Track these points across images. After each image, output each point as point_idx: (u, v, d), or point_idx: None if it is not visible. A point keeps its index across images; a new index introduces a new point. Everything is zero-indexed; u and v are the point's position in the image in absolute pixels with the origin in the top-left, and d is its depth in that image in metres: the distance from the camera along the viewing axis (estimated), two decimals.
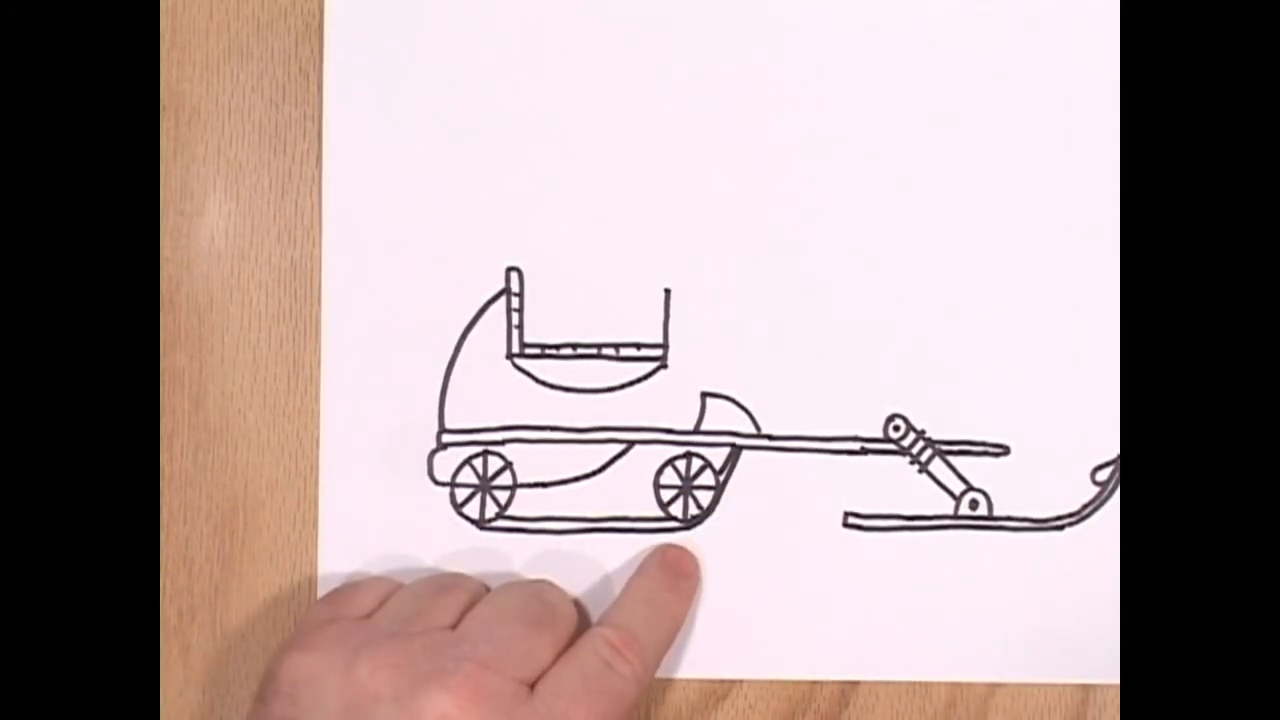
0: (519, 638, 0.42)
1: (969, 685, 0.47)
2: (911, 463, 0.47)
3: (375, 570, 0.47)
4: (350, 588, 0.46)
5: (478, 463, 0.47)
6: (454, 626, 0.43)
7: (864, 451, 0.47)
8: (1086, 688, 0.47)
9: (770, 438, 0.47)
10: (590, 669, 0.42)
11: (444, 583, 0.45)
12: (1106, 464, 0.47)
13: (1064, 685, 0.47)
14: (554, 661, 0.42)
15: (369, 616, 0.44)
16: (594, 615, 0.47)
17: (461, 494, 0.47)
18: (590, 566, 0.47)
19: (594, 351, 0.47)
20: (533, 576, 0.47)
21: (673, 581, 0.46)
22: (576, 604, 0.46)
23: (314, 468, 0.47)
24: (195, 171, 0.47)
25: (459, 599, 0.44)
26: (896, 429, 0.47)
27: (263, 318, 0.47)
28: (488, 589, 0.46)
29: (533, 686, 0.42)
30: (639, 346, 0.47)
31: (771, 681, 0.47)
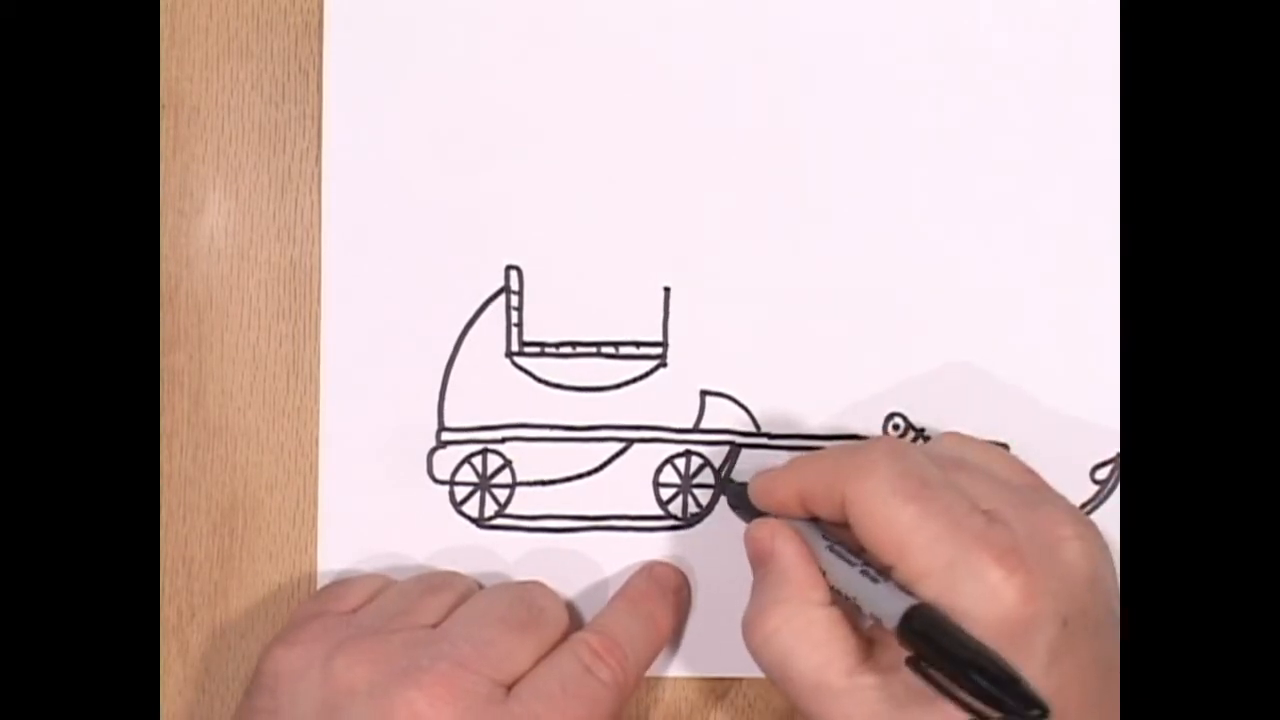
0: (499, 639, 0.42)
1: None
2: None
3: (375, 569, 0.47)
4: (340, 584, 0.46)
5: (477, 461, 0.47)
6: (438, 625, 0.43)
7: None
8: None
9: (770, 436, 0.47)
10: (568, 672, 0.42)
11: (434, 581, 0.45)
12: (1106, 463, 0.47)
13: None
14: (535, 664, 0.42)
15: (356, 612, 0.44)
16: (591, 614, 0.47)
17: (461, 492, 0.47)
18: (589, 565, 0.47)
19: (593, 350, 0.47)
20: (531, 575, 0.47)
21: (660, 593, 0.46)
22: (570, 607, 0.46)
23: (313, 466, 0.47)
24: (195, 170, 0.47)
25: (446, 599, 0.44)
26: (896, 428, 0.47)
27: (262, 316, 0.47)
28: (481, 588, 0.46)
29: (512, 689, 0.42)
30: (638, 345, 0.47)
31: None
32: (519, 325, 0.47)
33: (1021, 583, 0.37)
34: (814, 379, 0.47)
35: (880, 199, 0.47)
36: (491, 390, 0.47)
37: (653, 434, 0.47)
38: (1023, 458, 0.44)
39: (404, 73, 0.46)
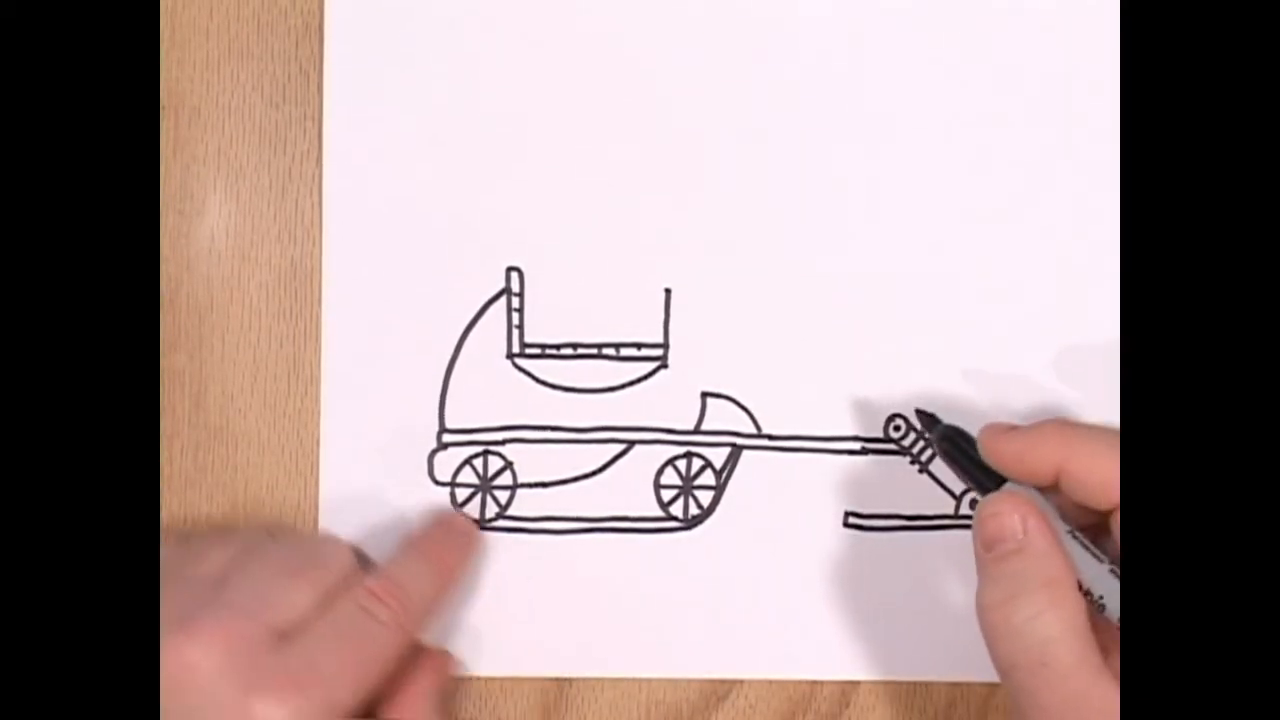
0: (275, 584, 0.42)
1: (969, 685, 0.47)
2: (912, 462, 0.47)
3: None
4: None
5: (478, 463, 0.47)
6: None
7: (864, 451, 0.47)
8: None
9: (771, 438, 0.47)
10: (345, 616, 0.42)
11: (218, 537, 0.45)
12: None
13: None
14: (316, 610, 0.42)
15: None
16: (588, 615, 0.47)
17: (462, 494, 0.47)
18: (590, 566, 0.47)
19: (594, 351, 0.47)
20: (532, 576, 0.47)
21: (445, 535, 0.46)
22: (359, 554, 0.45)
23: (314, 468, 0.47)
24: (195, 171, 0.47)
25: (230, 550, 0.44)
26: (897, 429, 0.47)
27: (263, 318, 0.47)
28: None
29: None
30: (639, 346, 0.47)
31: (771, 681, 0.47)
32: (520, 327, 0.47)
33: None
34: (815, 380, 0.47)
35: (880, 200, 0.47)
36: (492, 392, 0.47)
37: (654, 435, 0.47)
38: None
39: (404, 74, 0.47)
